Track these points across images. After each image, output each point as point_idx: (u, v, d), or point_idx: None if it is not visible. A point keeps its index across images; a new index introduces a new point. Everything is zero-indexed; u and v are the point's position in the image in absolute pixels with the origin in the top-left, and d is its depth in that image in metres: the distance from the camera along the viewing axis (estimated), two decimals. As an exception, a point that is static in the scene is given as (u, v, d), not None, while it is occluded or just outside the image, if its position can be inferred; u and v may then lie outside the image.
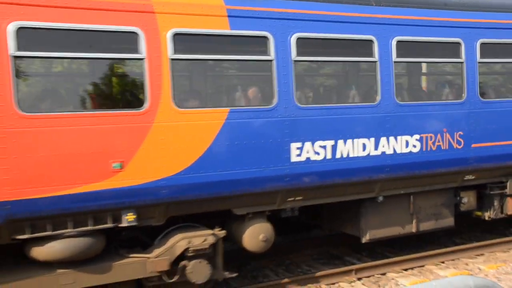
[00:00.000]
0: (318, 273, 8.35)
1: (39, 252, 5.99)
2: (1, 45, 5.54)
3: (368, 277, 8.47)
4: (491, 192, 9.27)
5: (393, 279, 8.39)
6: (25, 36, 5.66)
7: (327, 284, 8.15)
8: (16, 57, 5.63)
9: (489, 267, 8.76)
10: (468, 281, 2.42)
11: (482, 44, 8.52)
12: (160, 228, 6.86)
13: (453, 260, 9.22)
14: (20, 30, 5.62)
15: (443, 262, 9.10)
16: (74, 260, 6.14)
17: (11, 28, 5.58)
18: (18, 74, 5.66)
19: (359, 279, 8.38)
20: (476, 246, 9.75)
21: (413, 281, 8.16)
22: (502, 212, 9.54)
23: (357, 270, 8.54)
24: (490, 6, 8.80)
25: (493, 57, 8.86)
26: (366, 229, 8.28)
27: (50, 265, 6.14)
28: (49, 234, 5.96)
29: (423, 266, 8.94)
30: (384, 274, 8.59)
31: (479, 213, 9.61)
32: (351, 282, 8.28)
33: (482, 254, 9.53)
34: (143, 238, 7.05)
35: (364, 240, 8.33)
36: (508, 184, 9.28)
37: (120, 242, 6.84)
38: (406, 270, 8.79)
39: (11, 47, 5.58)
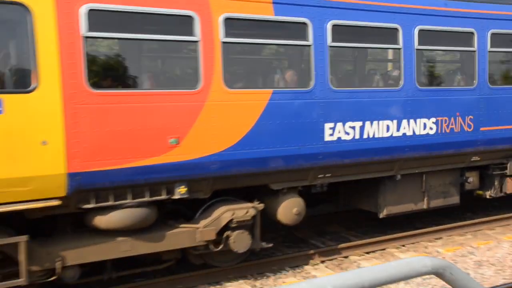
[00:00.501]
0: (282, 256, 8.46)
1: (102, 220, 6.40)
2: (74, 26, 5.89)
3: (331, 260, 8.57)
4: (493, 173, 10.02)
5: (355, 262, 8.58)
6: (95, 18, 6.01)
7: (291, 267, 8.21)
8: (87, 37, 5.98)
9: (447, 250, 9.08)
10: (426, 262, 2.79)
11: (493, 35, 9.20)
12: (199, 202, 7.31)
13: (413, 243, 9.45)
14: (91, 12, 5.97)
15: (403, 246, 9.31)
16: (132, 229, 6.58)
17: (83, 10, 5.93)
18: (88, 53, 6.01)
19: (323, 262, 8.46)
20: (435, 230, 9.96)
21: (374, 264, 8.32)
22: (501, 191, 10.30)
23: (321, 253, 8.62)
24: (499, -1, 9.45)
25: (502, 46, 9.55)
26: (384, 205, 8.90)
27: (108, 233, 6.55)
28: (112, 204, 6.37)
29: (384, 249, 9.12)
30: (346, 257, 8.73)
31: (480, 192, 10.34)
32: (315, 265, 8.36)
33: (440, 238, 9.78)
34: (185, 211, 7.51)
35: (381, 216, 8.96)
36: (508, 165, 10.03)
37: (165, 214, 7.28)
38: (368, 253, 8.95)
39: (83, 28, 5.93)
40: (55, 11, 5.80)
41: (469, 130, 9.08)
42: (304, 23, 7.41)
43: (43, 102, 5.79)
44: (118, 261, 6.89)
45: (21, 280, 5.93)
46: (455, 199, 9.73)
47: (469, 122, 9.05)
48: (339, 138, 7.78)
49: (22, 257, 5.89)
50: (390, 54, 8.76)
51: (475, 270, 7.85)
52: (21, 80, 5.89)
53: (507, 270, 7.69)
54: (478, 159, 9.61)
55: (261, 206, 7.55)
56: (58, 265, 6.19)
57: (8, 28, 6.02)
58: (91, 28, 5.99)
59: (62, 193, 6.02)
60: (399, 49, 8.24)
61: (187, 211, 7.50)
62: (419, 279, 7.18)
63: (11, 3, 5.63)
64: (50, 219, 6.54)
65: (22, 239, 5.88)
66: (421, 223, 10.41)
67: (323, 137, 7.64)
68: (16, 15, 5.71)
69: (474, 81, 9.12)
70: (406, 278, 2.86)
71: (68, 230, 6.71)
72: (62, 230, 6.72)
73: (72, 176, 5.99)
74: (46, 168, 5.86)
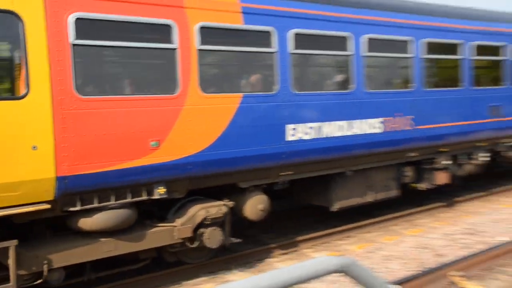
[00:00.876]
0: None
1: (86, 223, 6.58)
2: (63, 34, 6.04)
3: (247, 263, 8.68)
4: (427, 167, 11.08)
5: (271, 264, 8.73)
6: (82, 26, 6.19)
7: (207, 273, 8.20)
8: (74, 45, 6.15)
9: (358, 247, 9.43)
10: (329, 261, 3.14)
11: (428, 43, 10.23)
12: (168, 203, 7.61)
13: (326, 242, 9.76)
14: (78, 21, 6.15)
15: (316, 245, 9.61)
16: (115, 229, 6.80)
17: (71, 18, 6.10)
18: (76, 60, 6.18)
19: (238, 265, 8.61)
20: (346, 229, 10.33)
21: (289, 264, 8.37)
22: (431, 183, 11.40)
23: (237, 258, 8.75)
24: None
25: (435, 53, 10.59)
26: (336, 200, 9.65)
27: (91, 235, 6.73)
28: (96, 206, 6.57)
29: (298, 250, 9.40)
30: (262, 259, 8.87)
31: (414, 185, 11.39)
32: (231, 270, 8.43)
33: (352, 236, 10.19)
34: (155, 211, 7.80)
35: (333, 209, 9.69)
36: (438, 159, 11.13)
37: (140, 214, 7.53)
38: (284, 254, 9.15)
39: (71, 36, 6.10)
40: (44, 19, 5.93)
41: (409, 128, 10.02)
42: (269, 32, 7.94)
43: (33, 108, 5.90)
44: (96, 262, 7.06)
45: (10, 285, 5.99)
46: (395, 192, 10.68)
47: (408, 121, 10.00)
48: (300, 138, 8.39)
49: (11, 261, 5.97)
50: (343, 61, 9.42)
51: (383, 264, 8.33)
52: (12, 87, 5.96)
53: (410, 262, 8.33)
54: (414, 155, 10.59)
55: (231, 203, 7.99)
56: (45, 268, 6.31)
57: None
58: (78, 36, 6.17)
59: (51, 196, 6.16)
60: (350, 55, 9.01)
61: (158, 211, 7.79)
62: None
63: (2, 11, 5.70)
64: (28, 223, 6.61)
65: (12, 243, 5.96)
66: (335, 221, 10.65)
67: (285, 137, 8.21)
68: (7, 23, 5.78)
69: (410, 85, 10.10)
70: (316, 276, 3.12)
71: (47, 233, 6.80)
72: (41, 234, 6.80)
73: (60, 179, 6.14)
74: (36, 173, 5.97)
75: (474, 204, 12.70)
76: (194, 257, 8.06)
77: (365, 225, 10.70)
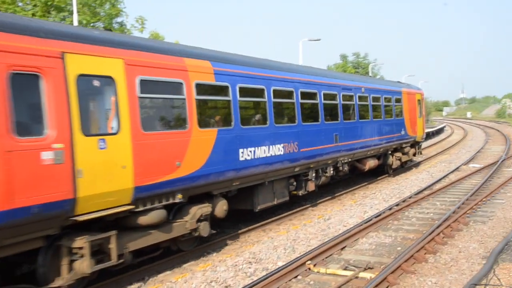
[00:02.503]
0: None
1: (143, 219, 9.45)
2: (133, 90, 9.10)
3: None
4: (304, 178, 15.69)
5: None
6: (143, 85, 9.31)
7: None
8: (139, 97, 9.23)
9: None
10: None
11: (302, 93, 14.99)
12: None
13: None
14: (141, 81, 9.27)
15: None
16: (158, 224, 9.77)
17: (138, 80, 9.20)
18: (140, 107, 9.24)
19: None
20: (137, 271, 10.27)
21: None
22: (306, 190, 16.01)
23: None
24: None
25: (305, 99, 15.39)
26: (257, 204, 13.54)
27: (143, 228, 9.59)
28: (149, 207, 9.52)
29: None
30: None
31: (295, 192, 15.85)
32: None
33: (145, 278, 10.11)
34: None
35: (256, 210, 13.54)
36: (309, 172, 15.80)
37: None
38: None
39: (138, 91, 9.19)
40: (125, 80, 8.94)
41: (296, 150, 14.47)
42: (227, 86, 11.76)
43: (122, 140, 8.81)
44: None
45: (113, 262, 8.66)
46: (287, 197, 14.97)
47: (295, 146, 14.46)
48: (245, 158, 12.21)
49: (113, 245, 8.66)
50: (262, 104, 13.49)
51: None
52: (112, 126, 8.77)
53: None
54: (297, 169, 15.07)
55: (211, 206, 11.39)
56: (125, 250, 9.05)
57: (103, 93, 8.78)
58: (141, 91, 9.26)
59: (129, 201, 9.02)
60: (265, 101, 13.21)
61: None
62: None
63: (105, 76, 8.60)
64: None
65: (113, 233, 8.66)
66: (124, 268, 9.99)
67: (238, 157, 11.97)
68: (108, 83, 8.66)
69: (296, 120, 14.67)
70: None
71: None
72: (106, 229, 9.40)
73: (136, 189, 9.05)
74: (124, 184, 8.83)
75: (256, 234, 13.69)
76: (188, 245, 11.24)
77: (156, 265, 10.70)
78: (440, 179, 21.90)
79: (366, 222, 13.72)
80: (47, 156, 7.50)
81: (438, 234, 11.92)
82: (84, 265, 8.24)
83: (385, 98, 22.42)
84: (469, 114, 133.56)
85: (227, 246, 12.46)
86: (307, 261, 10.09)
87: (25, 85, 7.41)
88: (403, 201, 16.83)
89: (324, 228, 13.70)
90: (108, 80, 8.69)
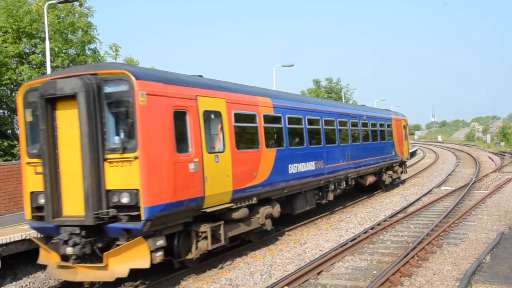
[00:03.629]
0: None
1: (235, 215, 12.91)
2: (230, 120, 12.71)
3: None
4: (325, 189, 19.38)
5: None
6: (235, 116, 12.97)
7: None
8: (234, 126, 12.87)
9: None
10: None
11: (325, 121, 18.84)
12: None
13: None
14: (235, 114, 12.93)
15: None
16: (244, 219, 13.29)
17: (233, 113, 12.85)
18: (235, 133, 12.87)
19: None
20: None
21: None
22: (327, 200, 19.66)
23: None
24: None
25: (329, 125, 19.24)
26: (296, 209, 17.11)
27: (233, 221, 13.06)
28: (238, 206, 13.02)
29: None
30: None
31: (318, 201, 19.47)
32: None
33: None
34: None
35: (294, 214, 17.12)
36: (330, 185, 19.51)
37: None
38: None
39: (233, 121, 12.83)
40: (226, 113, 12.58)
41: (323, 166, 18.19)
42: (280, 116, 15.47)
43: (227, 156, 12.39)
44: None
45: (223, 243, 12.13)
46: (314, 204, 18.60)
47: (321, 163, 18.19)
48: (292, 171, 15.85)
49: (222, 231, 12.14)
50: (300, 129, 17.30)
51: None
52: (220, 147, 12.32)
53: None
54: (322, 182, 18.76)
55: (276, 207, 14.98)
56: (226, 237, 12.52)
57: (215, 122, 12.32)
58: (235, 121, 12.91)
59: (229, 200, 12.55)
60: (302, 128, 16.96)
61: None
62: None
63: (216, 111, 12.21)
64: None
65: (222, 223, 12.14)
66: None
67: (288, 171, 15.61)
68: (218, 116, 12.27)
69: (322, 142, 18.43)
70: None
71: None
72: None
73: (234, 191, 12.60)
74: (228, 188, 12.36)
75: (232, 260, 13.65)
76: (255, 237, 14.77)
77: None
78: (413, 202, 22.30)
79: (342, 246, 13.75)
80: (191, 166, 11.04)
81: (413, 257, 12.09)
82: (206, 244, 11.71)
83: (380, 124, 26.60)
84: (440, 138, 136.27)
85: (203, 273, 12.42)
86: (283, 286, 10.22)
87: (179, 119, 10.98)
88: (378, 225, 17.00)
89: (300, 252, 13.76)
90: (217, 113, 12.31)
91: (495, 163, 45.91)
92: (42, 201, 10.70)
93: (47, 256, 10.88)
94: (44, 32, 20.20)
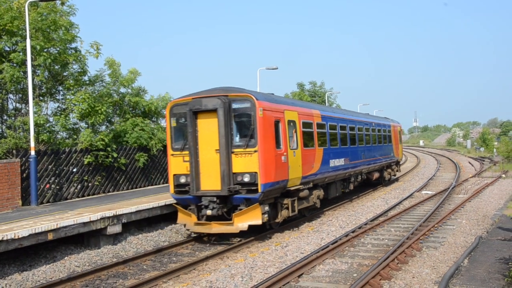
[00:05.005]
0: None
1: (302, 194, 18.11)
2: (300, 127, 18.07)
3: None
4: (348, 181, 24.89)
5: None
6: (303, 124, 18.35)
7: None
8: (302, 131, 18.24)
9: None
10: None
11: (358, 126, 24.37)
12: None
13: None
14: (303, 123, 18.32)
15: None
16: (305, 197, 18.59)
17: (301, 122, 18.23)
18: (303, 136, 18.21)
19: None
20: None
21: None
22: (348, 189, 25.13)
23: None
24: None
25: (352, 131, 24.77)
26: (330, 194, 22.42)
27: (299, 199, 18.35)
28: (304, 188, 18.26)
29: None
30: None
31: (342, 190, 24.87)
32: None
33: None
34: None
35: (329, 198, 22.46)
36: (351, 178, 25.05)
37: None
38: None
39: (301, 127, 18.21)
40: (299, 122, 18.00)
41: (348, 162, 23.65)
42: (324, 123, 20.90)
43: (298, 152, 17.72)
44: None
45: (296, 213, 17.47)
46: (340, 192, 24.03)
47: (347, 159, 23.67)
48: (331, 165, 21.25)
49: (296, 204, 17.45)
50: (335, 133, 22.74)
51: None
52: (295, 145, 17.59)
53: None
54: (347, 175, 24.20)
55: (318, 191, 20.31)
56: (296, 209, 17.78)
57: (292, 129, 17.51)
58: (303, 127, 18.29)
59: (299, 183, 17.86)
60: (336, 132, 22.42)
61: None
62: None
63: (293, 120, 17.55)
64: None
65: (295, 198, 17.43)
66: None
67: (330, 165, 21.01)
68: (293, 125, 17.62)
69: (347, 144, 23.93)
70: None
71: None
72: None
73: (302, 177, 17.94)
74: (299, 174, 17.68)
75: (213, 262, 13.51)
76: (308, 213, 20.09)
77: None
78: (394, 206, 22.80)
79: (323, 249, 13.80)
80: (283, 158, 16.35)
81: (393, 260, 12.20)
82: (287, 213, 17.01)
83: (383, 130, 32.40)
84: (421, 142, 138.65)
85: (184, 275, 12.37)
86: (264, 289, 10.13)
87: (277, 126, 16.30)
88: (359, 228, 17.26)
89: (281, 255, 13.72)
90: (294, 122, 17.64)
91: (475, 168, 47.17)
92: (182, 180, 15.88)
93: (185, 218, 16.05)
94: (25, 30, 19.84)
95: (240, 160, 15.27)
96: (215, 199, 15.22)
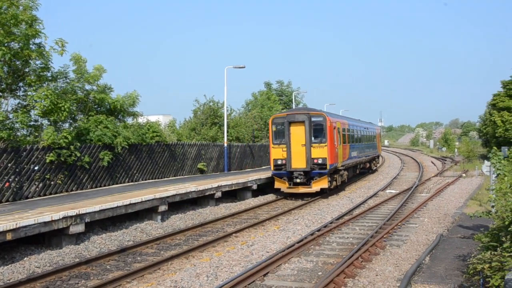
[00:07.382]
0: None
1: (341, 172, 29.00)
2: (341, 131, 28.71)
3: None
4: (358, 167, 36.37)
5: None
6: (341, 128, 29.23)
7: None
8: (342, 134, 28.93)
9: None
10: None
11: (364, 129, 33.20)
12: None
13: None
14: (341, 126, 29.15)
15: None
16: (342, 175, 29.34)
17: (339, 126, 29.07)
18: (341, 137, 28.83)
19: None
20: None
21: None
22: (356, 173, 36.43)
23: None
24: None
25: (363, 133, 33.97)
26: (349, 175, 31.81)
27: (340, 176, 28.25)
28: (343, 168, 29.13)
29: None
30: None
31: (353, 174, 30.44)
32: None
33: None
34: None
35: (349, 177, 32.15)
36: (359, 165, 36.56)
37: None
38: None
39: (342, 131, 28.91)
40: (341, 128, 29.01)
41: (360, 154, 34.35)
42: (349, 128, 31.55)
43: (341, 147, 28.65)
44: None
45: (340, 183, 28.71)
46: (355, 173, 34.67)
47: (353, 152, 29.92)
48: (352, 156, 31.91)
49: (339, 178, 28.28)
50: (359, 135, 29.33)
51: None
52: (338, 142, 28.14)
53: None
54: (357, 163, 34.68)
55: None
56: (341, 179, 28.61)
57: (338, 132, 27.97)
58: (342, 131, 29.22)
59: (340, 166, 28.55)
60: (353, 134, 32.49)
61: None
62: None
63: (338, 127, 28.37)
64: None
65: (339, 174, 28.10)
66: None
67: (351, 155, 31.47)
68: (339, 129, 28.24)
69: (359, 142, 30.93)
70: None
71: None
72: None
73: (342, 162, 28.90)
74: (341, 160, 28.53)
75: (178, 261, 13.15)
76: (331, 194, 29.75)
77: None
78: (359, 205, 23.09)
79: (289, 247, 13.60)
80: (336, 150, 27.24)
81: (357, 258, 12.19)
82: (342, 179, 28.50)
83: (372, 131, 43.73)
84: (386, 142, 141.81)
85: (149, 275, 12.00)
86: (229, 288, 10.02)
87: (334, 132, 26.92)
88: (325, 227, 17.04)
89: (247, 254, 13.46)
90: (339, 129, 28.29)
91: (437, 168, 49.65)
92: (279, 162, 26.13)
93: (281, 184, 26.42)
94: None
95: (316, 150, 25.80)
96: (302, 173, 25.68)
